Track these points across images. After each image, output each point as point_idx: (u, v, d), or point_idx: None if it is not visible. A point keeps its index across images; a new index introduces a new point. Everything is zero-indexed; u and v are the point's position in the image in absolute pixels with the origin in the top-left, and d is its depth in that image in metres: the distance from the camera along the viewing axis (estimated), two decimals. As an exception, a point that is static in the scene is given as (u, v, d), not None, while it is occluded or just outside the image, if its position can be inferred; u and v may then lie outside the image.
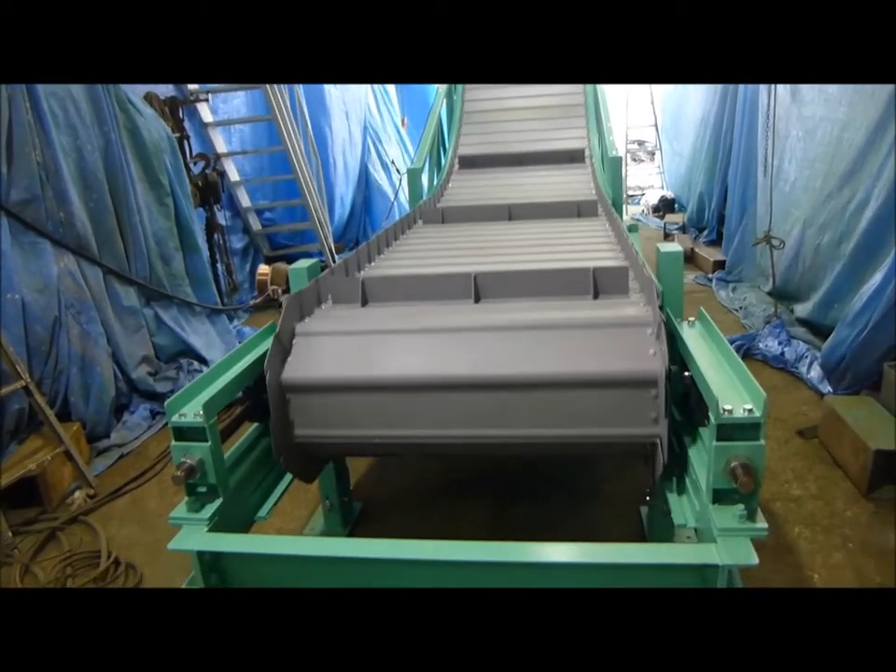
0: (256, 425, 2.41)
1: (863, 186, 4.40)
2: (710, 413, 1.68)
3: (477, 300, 2.55)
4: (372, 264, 3.35)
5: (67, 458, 3.84)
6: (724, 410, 1.64)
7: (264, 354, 2.20)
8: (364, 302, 2.63)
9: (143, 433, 4.52)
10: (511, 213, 4.20)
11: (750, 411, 1.63)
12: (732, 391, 1.75)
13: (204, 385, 2.10)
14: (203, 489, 2.02)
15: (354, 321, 2.48)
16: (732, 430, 1.66)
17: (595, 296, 2.48)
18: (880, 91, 4.24)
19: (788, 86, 5.67)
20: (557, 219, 4.10)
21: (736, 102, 7.22)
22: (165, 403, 1.96)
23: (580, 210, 4.16)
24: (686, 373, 2.01)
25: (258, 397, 2.31)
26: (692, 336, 2.16)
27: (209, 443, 1.95)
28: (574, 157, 5.68)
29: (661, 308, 2.11)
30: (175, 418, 1.95)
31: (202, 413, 1.93)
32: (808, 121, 5.39)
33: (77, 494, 3.79)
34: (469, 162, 5.90)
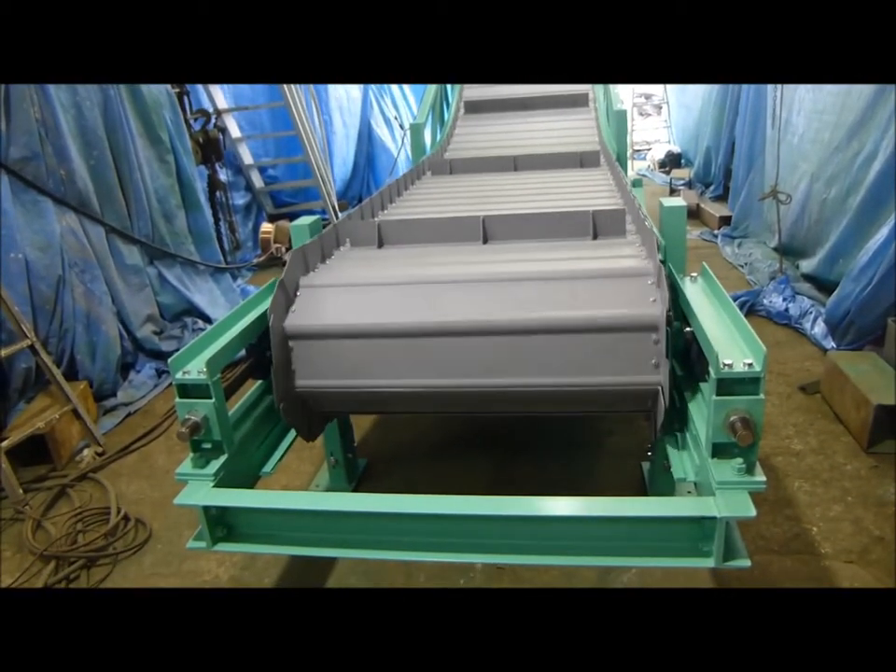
0: (259, 382, 2.43)
1: (872, 138, 4.33)
2: (710, 368, 1.69)
3: (485, 241, 2.74)
4: (386, 210, 3.51)
5: (75, 417, 3.88)
6: (724, 364, 1.64)
7: (267, 309, 2.20)
8: (380, 244, 2.81)
9: (149, 392, 4.57)
10: (517, 164, 4.31)
11: (750, 365, 1.64)
12: (732, 346, 1.75)
13: (208, 343, 2.11)
14: (207, 445, 2.04)
15: (360, 271, 2.49)
16: (732, 385, 1.67)
17: (595, 237, 2.65)
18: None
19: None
20: (561, 169, 4.22)
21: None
22: (169, 361, 1.98)
23: (582, 161, 4.29)
24: (687, 328, 2.02)
25: (261, 354, 2.32)
26: (694, 291, 2.16)
27: (213, 400, 1.96)
28: (577, 101, 5.71)
29: (663, 262, 2.10)
30: (178, 375, 1.96)
31: (205, 370, 1.94)
32: (819, 71, 5.28)
33: (85, 451, 3.85)
34: (474, 108, 5.93)
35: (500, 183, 3.94)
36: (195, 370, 1.96)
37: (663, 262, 2.10)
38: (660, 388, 1.99)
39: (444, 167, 4.48)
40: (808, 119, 5.45)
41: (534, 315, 2.07)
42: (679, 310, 2.11)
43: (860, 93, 4.52)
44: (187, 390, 2.00)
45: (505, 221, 2.76)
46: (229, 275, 6.18)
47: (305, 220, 2.77)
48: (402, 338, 2.16)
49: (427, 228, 2.84)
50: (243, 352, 2.31)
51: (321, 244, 2.63)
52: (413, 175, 4.27)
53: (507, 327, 2.08)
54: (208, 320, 5.26)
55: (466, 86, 6.21)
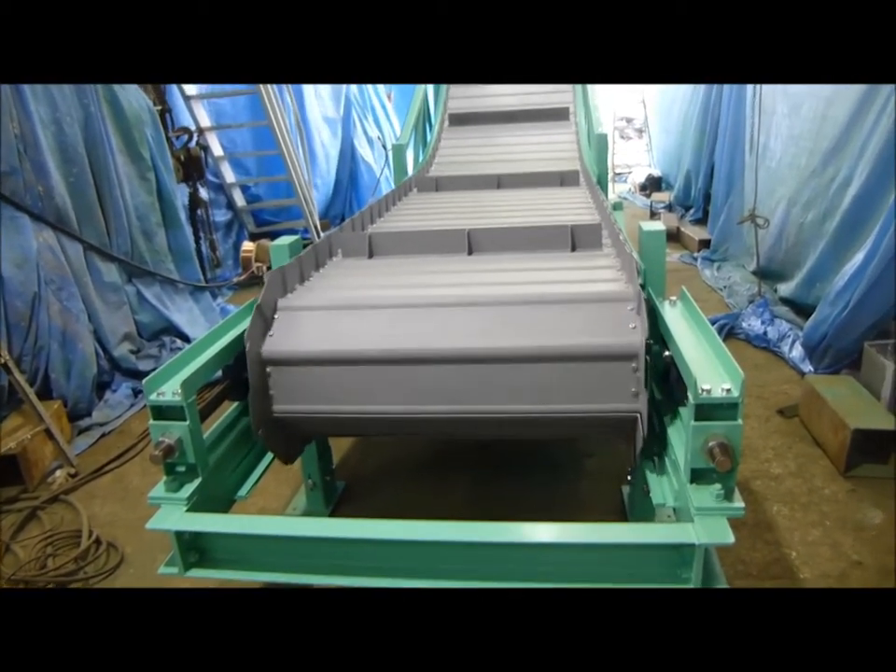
0: (236, 404, 2.40)
1: (847, 163, 4.40)
2: (689, 393, 1.69)
3: (470, 252, 2.90)
4: (375, 224, 3.65)
5: (48, 437, 3.81)
6: (703, 389, 1.64)
7: (244, 331, 2.18)
8: (371, 255, 2.96)
9: (125, 411, 4.50)
10: (500, 182, 4.50)
11: (728, 391, 1.64)
12: (711, 371, 1.75)
13: (183, 364, 2.08)
14: (182, 468, 2.01)
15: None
16: (710, 410, 1.67)
17: (573, 248, 2.83)
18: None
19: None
20: (542, 188, 4.38)
21: (724, 78, 7.18)
22: (143, 381, 1.95)
23: (563, 180, 4.47)
24: (666, 352, 2.02)
25: (238, 375, 2.29)
26: (673, 315, 2.16)
27: (188, 422, 1.94)
28: (559, 115, 5.98)
29: (643, 286, 2.10)
30: (153, 397, 1.94)
31: (180, 391, 1.91)
32: (794, 97, 5.38)
33: (58, 473, 3.78)
34: (459, 120, 6.16)
35: (485, 199, 4.11)
36: (170, 391, 1.93)
37: (642, 286, 2.10)
38: (639, 416, 1.98)
39: (430, 184, 4.63)
40: (785, 145, 5.54)
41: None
42: (658, 334, 2.11)
43: (834, 120, 4.60)
44: (161, 412, 1.97)
45: (489, 234, 2.91)
46: (208, 294, 6.14)
47: (285, 241, 2.76)
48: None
49: (416, 239, 2.99)
50: (220, 373, 2.29)
51: (300, 264, 2.61)
52: (400, 192, 4.42)
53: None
54: (187, 339, 5.21)
55: (451, 98, 6.43)
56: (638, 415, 1.98)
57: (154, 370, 2.06)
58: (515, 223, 3.24)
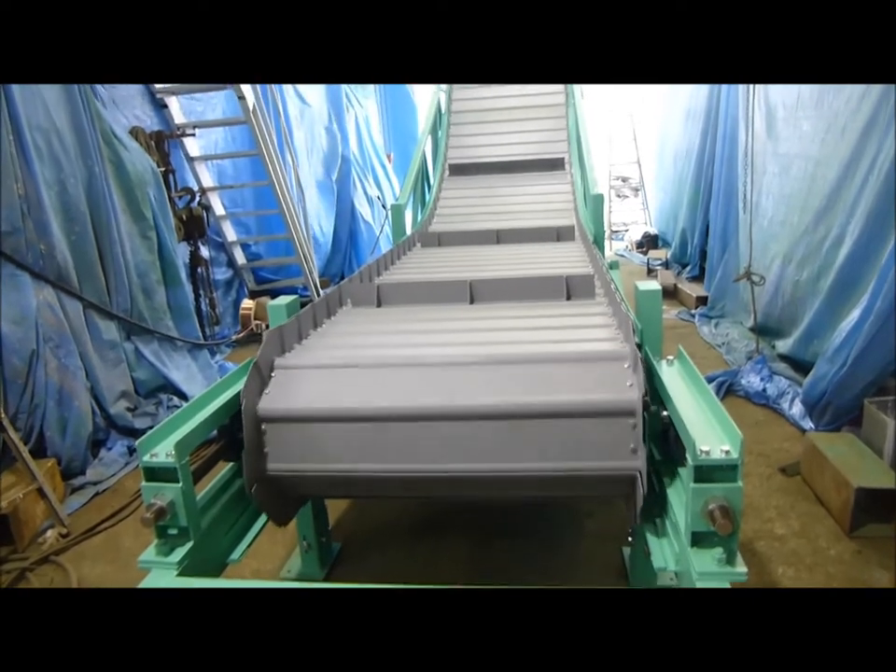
0: (231, 464, 2.37)
1: (838, 222, 4.46)
2: (688, 454, 1.67)
3: (472, 301, 3.08)
4: (381, 276, 3.86)
5: (41, 496, 3.76)
6: (701, 451, 1.63)
7: (240, 391, 2.17)
8: (379, 304, 3.15)
9: (120, 470, 4.44)
10: (499, 237, 4.77)
11: (728, 452, 1.62)
12: (709, 432, 1.74)
13: (178, 424, 2.06)
14: (174, 531, 1.97)
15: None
16: (709, 472, 1.65)
17: (568, 298, 3.02)
18: (851, 129, 4.32)
19: (764, 122, 5.78)
20: (539, 243, 4.65)
21: (717, 137, 7.34)
22: (136, 443, 1.93)
23: (559, 235, 4.73)
24: (664, 412, 2.00)
25: (233, 435, 2.27)
26: (670, 375, 2.16)
27: (181, 484, 1.91)
28: (555, 165, 6.36)
29: (639, 346, 2.10)
30: (146, 458, 1.92)
31: (174, 452, 1.89)
32: (783, 158, 5.49)
33: (49, 533, 3.71)
34: (459, 170, 6.52)
35: (485, 253, 4.37)
36: (163, 452, 1.91)
37: (639, 346, 2.10)
38: (638, 474, 1.96)
39: (433, 239, 4.91)
40: (777, 203, 5.63)
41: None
42: (656, 393, 2.10)
43: (824, 180, 4.69)
44: (154, 473, 1.94)
45: (489, 284, 3.10)
46: (207, 351, 6.14)
47: (283, 300, 2.77)
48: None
49: (421, 289, 3.19)
50: (214, 432, 2.27)
51: (298, 323, 2.61)
52: (404, 246, 4.67)
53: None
54: (184, 397, 5.19)
55: (451, 147, 6.82)
56: (638, 473, 1.96)
57: (150, 427, 2.06)
58: (514, 275, 3.40)
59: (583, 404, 1.99)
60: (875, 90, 4.01)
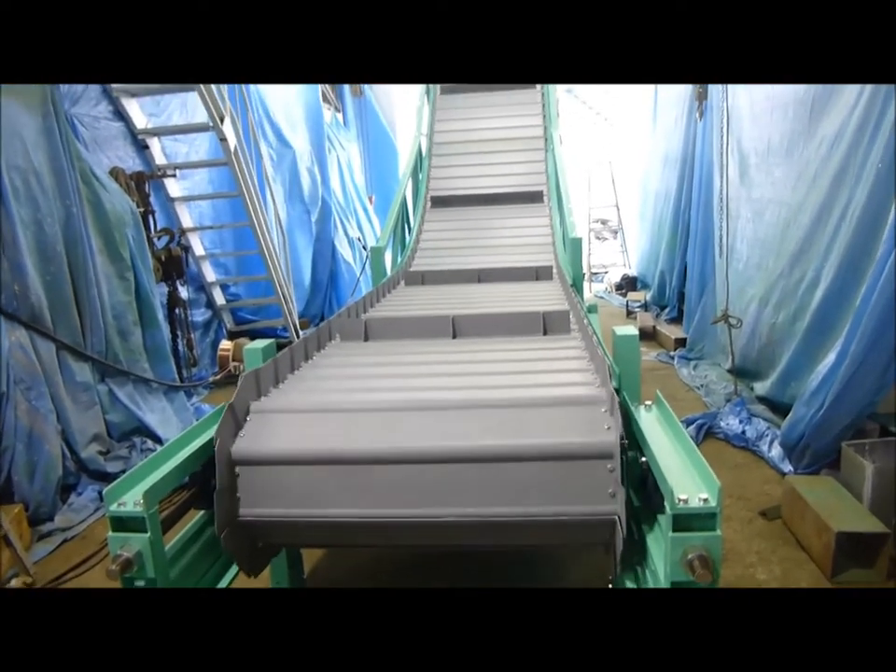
0: (202, 512, 2.31)
1: (813, 266, 4.53)
2: (666, 503, 1.65)
3: (454, 336, 3.23)
4: (367, 313, 4.00)
5: (6, 543, 3.63)
6: (679, 499, 1.60)
7: (212, 440, 2.12)
8: (366, 338, 3.29)
9: (89, 516, 4.32)
10: (480, 276, 4.96)
11: (706, 500, 1.60)
12: (687, 479, 1.72)
13: (147, 472, 2.01)
14: (141, 583, 1.91)
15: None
16: (688, 520, 1.63)
17: (545, 333, 3.18)
18: (822, 177, 4.42)
19: (737, 168, 5.91)
20: (518, 282, 4.85)
21: (693, 182, 7.49)
22: (104, 491, 1.87)
23: (537, 275, 4.96)
24: (643, 458, 1.99)
25: (205, 482, 2.21)
26: (648, 421, 2.15)
27: (149, 534, 1.85)
28: (533, 198, 6.63)
29: (617, 391, 2.09)
30: (113, 507, 1.86)
31: (142, 501, 1.84)
32: (757, 203, 5.60)
33: (13, 582, 3.57)
34: (441, 202, 6.76)
35: (466, 292, 4.57)
36: (131, 501, 1.86)
37: (617, 391, 2.09)
38: (617, 518, 1.93)
39: (417, 278, 5.10)
40: (751, 247, 5.73)
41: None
42: (634, 439, 2.09)
43: (798, 224, 4.78)
44: (121, 523, 1.88)
45: (471, 320, 3.26)
46: (183, 393, 6.05)
47: (258, 344, 2.74)
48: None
49: (407, 325, 3.34)
50: (186, 478, 2.21)
51: (275, 367, 2.58)
52: (389, 285, 4.85)
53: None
54: (158, 440, 5.09)
55: (433, 180, 7.08)
56: (617, 518, 1.93)
57: (123, 471, 2.00)
58: (494, 311, 3.58)
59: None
60: (845, 138, 4.11)
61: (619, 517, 1.91)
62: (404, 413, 2.21)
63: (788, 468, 4.28)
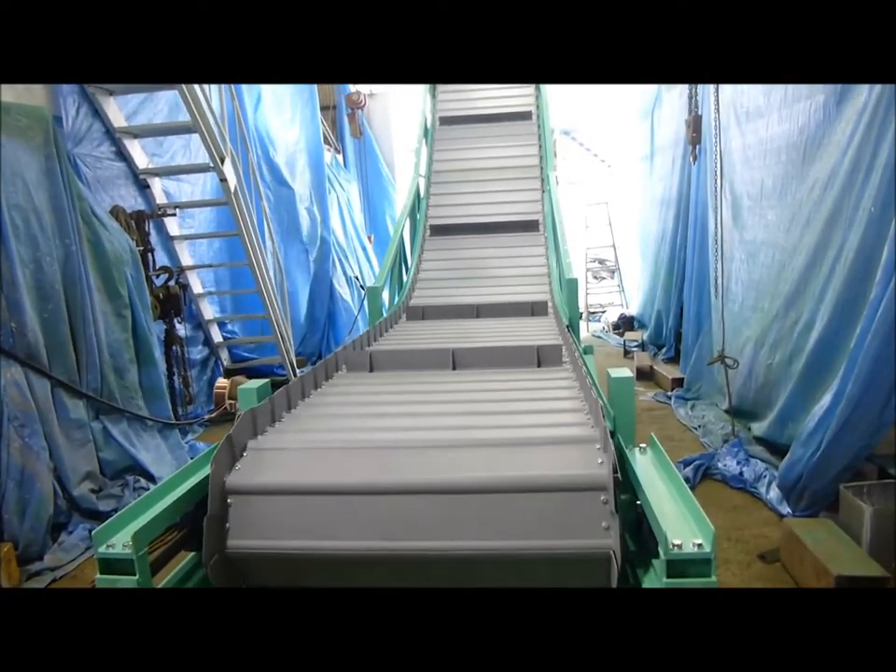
0: (192, 554, 2.28)
1: (808, 307, 4.56)
2: (660, 548, 1.63)
3: (454, 368, 3.40)
4: (371, 346, 4.16)
5: (-7, 584, 3.59)
6: (673, 545, 1.59)
7: (206, 479, 2.10)
8: (371, 369, 3.45)
9: (80, 555, 4.26)
10: (478, 311, 5.22)
11: (700, 546, 1.59)
12: (682, 524, 1.70)
13: (138, 513, 1.98)
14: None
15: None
16: (683, 565, 1.61)
17: (539, 365, 3.35)
18: (815, 220, 4.47)
19: (730, 211, 5.98)
20: (514, 318, 5.06)
21: (688, 223, 7.56)
22: (92, 533, 1.85)
23: (533, 310, 5.21)
24: (638, 502, 1.97)
25: (197, 523, 2.18)
26: (642, 464, 2.13)
27: (137, 577, 1.82)
28: (529, 226, 6.92)
29: (612, 434, 2.09)
30: (101, 549, 1.83)
31: (131, 543, 1.81)
32: (750, 245, 5.66)
33: (-1, 624, 3.51)
34: (440, 230, 7.01)
35: (465, 326, 4.80)
36: (120, 543, 1.83)
37: (612, 433, 2.09)
38: (612, 554, 1.90)
39: (417, 313, 5.34)
40: (746, 289, 5.76)
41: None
42: (629, 483, 2.07)
43: (792, 266, 4.81)
44: (110, 565, 1.85)
45: (470, 352, 3.45)
46: (178, 431, 6.03)
47: (253, 384, 2.73)
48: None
49: (408, 357, 3.53)
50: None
51: (272, 406, 2.58)
52: (392, 320, 5.07)
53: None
54: (152, 478, 5.05)
55: (431, 207, 7.34)
56: (612, 553, 1.89)
57: (115, 510, 1.98)
58: (491, 345, 3.78)
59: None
60: (838, 181, 4.17)
61: (613, 552, 1.88)
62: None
63: (786, 510, 4.25)
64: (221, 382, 7.12)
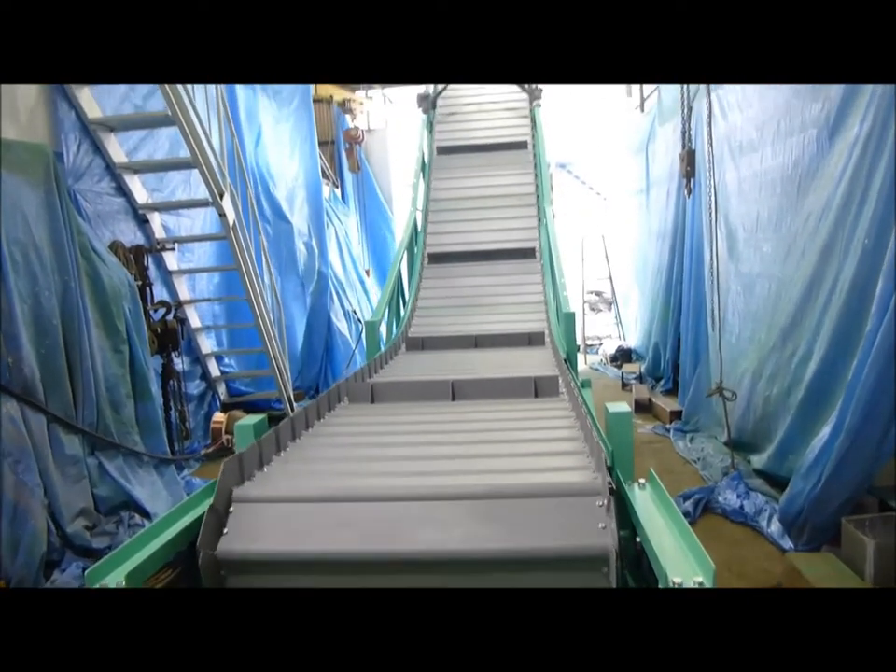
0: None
1: (805, 339, 4.56)
2: (660, 585, 1.61)
3: (453, 399, 3.47)
4: (372, 378, 4.23)
5: (-16, 624, 3.51)
6: (674, 582, 1.57)
7: (201, 516, 2.08)
8: (373, 400, 3.52)
9: (73, 594, 4.20)
10: (477, 342, 5.29)
11: (701, 583, 1.57)
12: (682, 561, 1.68)
13: (131, 552, 1.96)
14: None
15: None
16: (683, 604, 1.59)
17: (536, 395, 3.42)
18: (810, 252, 4.50)
19: (725, 243, 6.01)
20: (512, 348, 5.15)
21: (684, 254, 7.60)
22: (85, 573, 1.83)
23: (530, 340, 5.29)
24: (638, 538, 1.95)
25: (192, 561, 2.15)
26: (642, 500, 2.11)
27: (130, 618, 1.79)
28: (526, 254, 7.04)
29: (610, 469, 2.07)
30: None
31: (124, 583, 1.79)
32: (746, 277, 5.69)
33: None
34: (437, 259, 7.18)
35: (464, 357, 4.86)
36: (113, 583, 1.81)
37: (610, 469, 2.07)
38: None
39: (417, 343, 5.44)
40: (743, 320, 5.77)
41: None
42: (628, 520, 2.05)
43: (788, 298, 4.83)
44: (102, 605, 1.83)
45: (469, 384, 3.52)
46: (174, 467, 5.98)
47: (250, 420, 2.70)
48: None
49: (409, 388, 3.60)
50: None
51: (259, 449, 2.52)
52: (392, 352, 5.15)
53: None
54: (147, 515, 4.99)
55: (429, 234, 7.49)
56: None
57: (109, 547, 1.96)
58: (490, 376, 3.81)
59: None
60: (832, 213, 4.20)
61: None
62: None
63: (788, 544, 4.20)
64: (218, 416, 7.08)
